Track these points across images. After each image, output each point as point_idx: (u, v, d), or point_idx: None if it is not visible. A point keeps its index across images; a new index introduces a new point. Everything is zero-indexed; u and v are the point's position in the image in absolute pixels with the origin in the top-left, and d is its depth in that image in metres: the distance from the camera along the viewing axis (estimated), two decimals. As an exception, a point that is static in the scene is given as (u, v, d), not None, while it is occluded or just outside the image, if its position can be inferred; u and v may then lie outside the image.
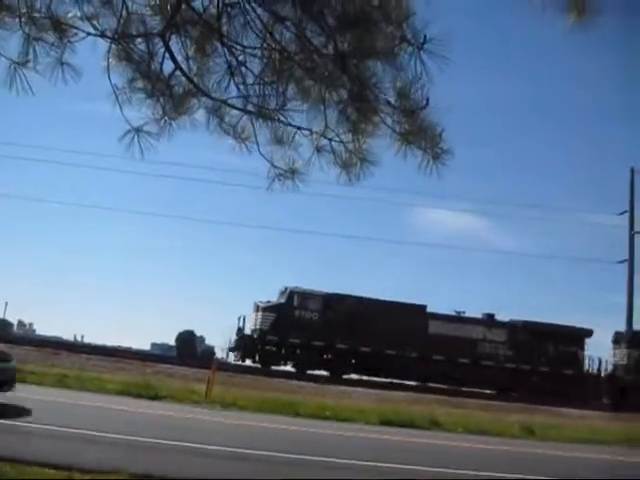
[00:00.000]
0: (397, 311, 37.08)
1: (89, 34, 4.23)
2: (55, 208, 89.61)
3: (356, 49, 3.76)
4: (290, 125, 4.35)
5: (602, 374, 38.62)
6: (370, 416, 18.77)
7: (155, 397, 18.03)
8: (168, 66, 4.25)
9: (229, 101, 4.35)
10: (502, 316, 39.57)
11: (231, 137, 4.56)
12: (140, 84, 4.32)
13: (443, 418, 19.20)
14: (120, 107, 4.23)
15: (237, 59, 4.06)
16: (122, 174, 78.09)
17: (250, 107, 4.33)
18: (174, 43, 4.17)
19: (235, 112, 4.44)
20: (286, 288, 37.50)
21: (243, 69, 4.19)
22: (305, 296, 37.12)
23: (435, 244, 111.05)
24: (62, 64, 4.26)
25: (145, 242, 77.56)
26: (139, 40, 4.28)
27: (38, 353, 27.58)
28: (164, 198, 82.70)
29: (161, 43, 4.11)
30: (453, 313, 39.24)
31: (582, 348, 39.22)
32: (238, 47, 4.07)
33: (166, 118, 4.35)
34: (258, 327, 36.17)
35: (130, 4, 4.26)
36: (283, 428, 14.88)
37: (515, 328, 38.69)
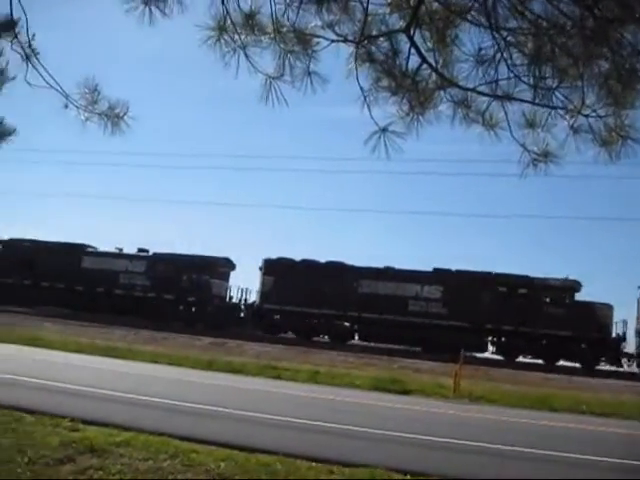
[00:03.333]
0: (57, 250, 43.34)
1: (332, 41, 4.32)
2: (302, 214, 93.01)
3: (616, 17, 3.46)
4: (544, 106, 4.12)
5: (240, 301, 42.21)
6: (631, 409, 17.52)
7: (404, 392, 18.24)
8: (412, 61, 4.22)
9: (477, 88, 4.21)
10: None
11: (479, 125, 4.43)
12: (385, 83, 4.33)
13: None
14: (369, 108, 4.26)
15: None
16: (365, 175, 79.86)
17: (499, 92, 4.18)
18: (417, 37, 4.12)
19: (482, 99, 4.31)
20: None
21: (492, 53, 4.03)
22: None
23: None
24: (309, 73, 4.40)
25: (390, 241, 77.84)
26: (381, 40, 4.30)
27: (290, 352, 29.14)
28: (405, 194, 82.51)
29: (404, 39, 4.10)
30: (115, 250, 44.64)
31: (220, 277, 42.27)
32: (487, 30, 3.92)
33: (413, 114, 4.32)
34: None
35: (369, 6, 4.28)
36: (541, 424, 14.26)
37: (153, 260, 42.77)
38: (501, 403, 17.29)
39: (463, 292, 35.19)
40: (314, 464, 8.33)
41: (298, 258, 39.80)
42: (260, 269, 40.26)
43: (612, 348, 33.73)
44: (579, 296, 35.39)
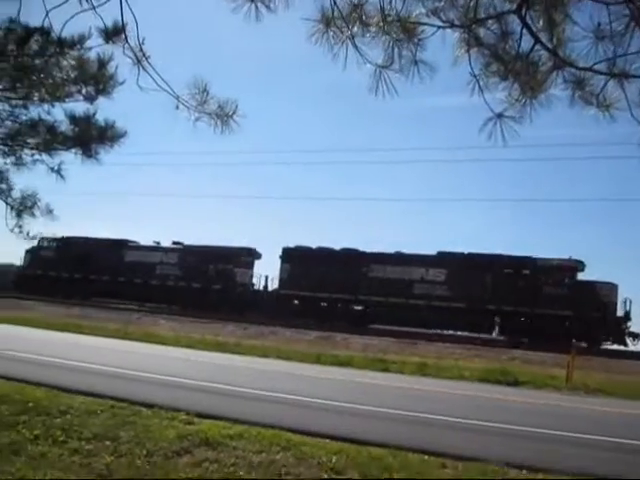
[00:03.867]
0: (105, 246, 47.41)
1: (439, 27, 4.21)
2: (408, 206, 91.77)
3: None
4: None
5: (263, 289, 43.63)
6: None
7: (514, 383, 17.84)
8: (524, 42, 4.05)
9: (594, 67, 4.00)
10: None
11: (594, 106, 4.22)
12: (494, 68, 4.19)
13: None
14: (482, 92, 4.13)
15: None
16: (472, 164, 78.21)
17: (616, 70, 3.96)
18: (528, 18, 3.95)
19: (598, 78, 4.09)
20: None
21: (612, 28, 3.81)
22: (47, 240, 48.25)
23: None
24: (416, 62, 4.32)
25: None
26: (490, 22, 4.16)
27: (397, 344, 29.06)
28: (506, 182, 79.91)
29: (515, 21, 3.95)
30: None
31: (244, 267, 44.14)
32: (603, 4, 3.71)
33: (525, 98, 4.16)
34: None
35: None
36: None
37: (184, 252, 45.83)
38: (619, 395, 16.62)
39: (466, 274, 35.51)
40: (426, 457, 8.25)
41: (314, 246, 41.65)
42: (280, 257, 41.98)
43: (614, 327, 33.11)
44: (583, 275, 35.03)
